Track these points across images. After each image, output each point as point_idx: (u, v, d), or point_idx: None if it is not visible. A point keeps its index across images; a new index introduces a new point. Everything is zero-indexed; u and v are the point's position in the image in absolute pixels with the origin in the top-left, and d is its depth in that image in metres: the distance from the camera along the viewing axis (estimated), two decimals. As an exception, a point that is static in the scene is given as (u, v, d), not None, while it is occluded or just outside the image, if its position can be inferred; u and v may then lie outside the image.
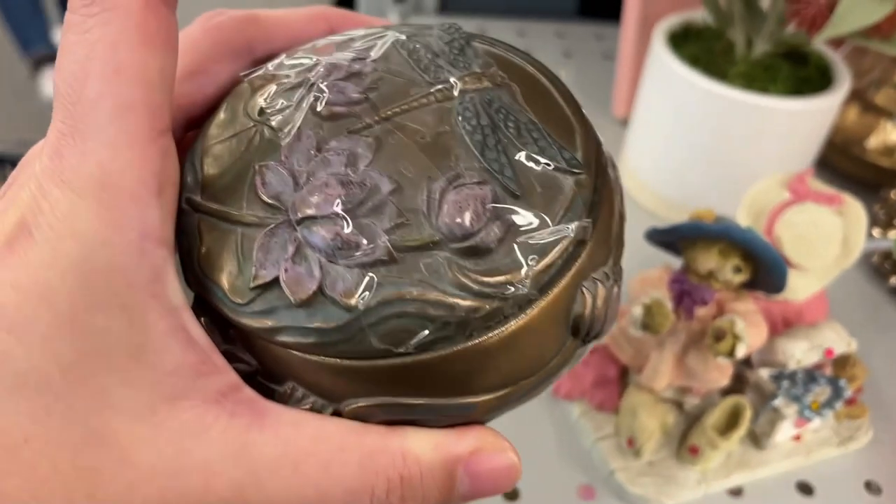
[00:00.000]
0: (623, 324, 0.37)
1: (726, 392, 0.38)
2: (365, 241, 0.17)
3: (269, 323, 0.17)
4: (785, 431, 0.37)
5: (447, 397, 0.17)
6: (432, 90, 0.19)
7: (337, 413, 0.17)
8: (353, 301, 0.16)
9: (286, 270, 0.17)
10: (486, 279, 0.16)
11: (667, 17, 0.52)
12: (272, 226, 0.17)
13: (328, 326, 0.16)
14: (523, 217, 0.17)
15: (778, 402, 0.36)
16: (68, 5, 0.16)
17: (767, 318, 0.39)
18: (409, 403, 0.17)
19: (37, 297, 0.15)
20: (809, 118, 0.46)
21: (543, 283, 0.17)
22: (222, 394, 0.16)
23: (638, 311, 0.35)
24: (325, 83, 0.19)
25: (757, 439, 0.38)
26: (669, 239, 0.36)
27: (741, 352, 0.34)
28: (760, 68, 0.47)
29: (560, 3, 0.73)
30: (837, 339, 0.36)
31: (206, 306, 0.18)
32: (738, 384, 0.38)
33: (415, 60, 0.20)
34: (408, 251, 0.17)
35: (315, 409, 0.17)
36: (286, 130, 0.18)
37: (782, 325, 0.39)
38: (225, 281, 0.17)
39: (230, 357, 0.18)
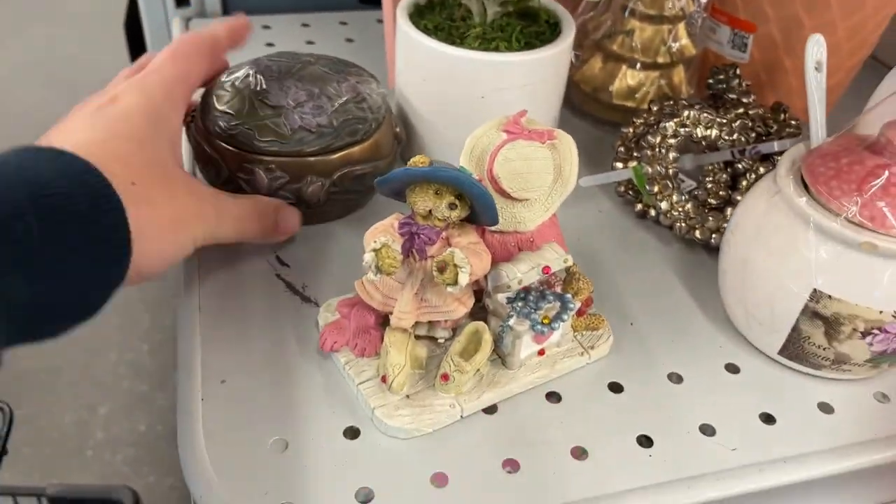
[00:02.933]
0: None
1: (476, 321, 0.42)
2: (323, 107, 0.46)
3: (301, 146, 0.46)
4: (527, 348, 0.41)
5: (374, 161, 0.49)
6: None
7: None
8: (333, 123, 0.47)
9: (301, 118, 0.46)
10: (372, 111, 0.49)
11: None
12: (283, 112, 0.46)
13: (325, 133, 0.47)
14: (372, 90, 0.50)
15: (512, 321, 0.40)
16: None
17: (505, 250, 0.43)
18: (360, 169, 0.49)
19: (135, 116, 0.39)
20: (541, 66, 0.50)
21: (383, 114, 0.50)
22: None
23: (369, 256, 0.37)
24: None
25: (504, 360, 0.41)
26: (392, 188, 0.39)
27: (464, 279, 0.37)
28: (496, 29, 0.51)
29: (342, -4, 0.75)
30: (554, 257, 0.40)
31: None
32: (484, 312, 0.42)
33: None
34: (342, 105, 0.47)
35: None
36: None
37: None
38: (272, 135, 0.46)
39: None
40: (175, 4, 0.71)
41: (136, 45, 0.82)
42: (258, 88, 0.47)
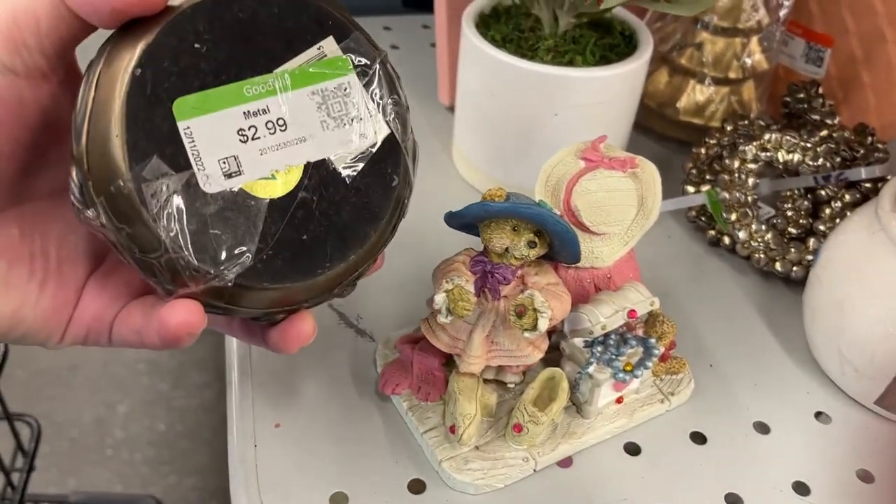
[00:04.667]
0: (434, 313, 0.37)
1: (550, 366, 0.39)
2: None
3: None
4: (605, 396, 0.38)
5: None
6: None
7: None
8: None
9: None
10: None
11: (475, 0, 0.52)
12: None
13: None
14: None
15: (591, 368, 0.36)
16: None
17: (580, 287, 0.40)
18: None
19: None
20: (618, 83, 0.47)
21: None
22: None
23: (441, 297, 0.34)
24: None
25: (580, 408, 0.38)
26: (462, 222, 0.36)
27: (543, 325, 0.34)
28: (568, 41, 0.48)
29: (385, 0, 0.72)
30: (640, 300, 0.37)
31: None
32: (559, 356, 0.39)
33: None
34: None
35: None
36: None
37: (595, 292, 0.39)
38: None
39: None
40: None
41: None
42: None
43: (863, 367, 0.39)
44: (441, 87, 0.59)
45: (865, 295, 0.38)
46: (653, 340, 0.37)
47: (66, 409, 1.27)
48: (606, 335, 0.37)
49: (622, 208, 0.38)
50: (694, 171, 0.50)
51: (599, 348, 0.37)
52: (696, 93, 0.55)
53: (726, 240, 0.49)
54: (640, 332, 0.38)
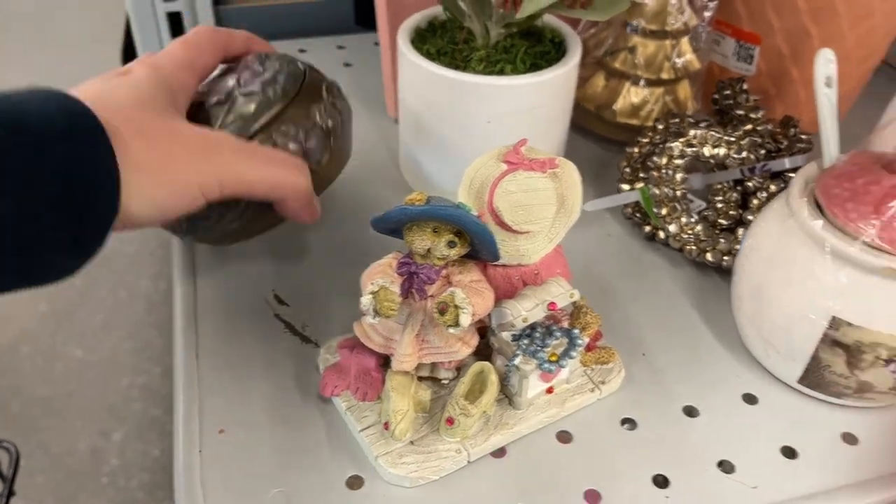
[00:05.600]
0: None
1: (481, 360, 0.40)
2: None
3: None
4: (534, 387, 0.39)
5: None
6: None
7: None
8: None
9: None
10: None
11: (411, 16, 0.54)
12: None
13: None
14: None
15: (517, 360, 0.38)
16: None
17: (508, 284, 0.41)
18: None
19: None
20: (547, 88, 0.49)
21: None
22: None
23: (367, 299, 0.36)
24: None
25: (511, 400, 0.40)
26: (387, 227, 0.37)
27: (465, 320, 0.35)
28: (500, 51, 0.50)
29: (338, 19, 0.74)
30: (560, 293, 0.38)
31: None
32: (489, 349, 0.40)
33: None
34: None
35: None
36: None
37: (523, 288, 0.41)
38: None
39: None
40: (171, 35, 0.71)
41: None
42: None
43: (783, 348, 0.41)
44: (388, 100, 0.61)
45: (781, 280, 0.40)
46: (577, 331, 0.39)
47: (60, 439, 1.28)
48: (532, 328, 0.39)
49: (542, 207, 0.40)
50: (628, 170, 0.52)
51: (525, 341, 0.38)
52: (632, 95, 0.57)
53: (661, 234, 0.50)
54: (566, 325, 0.40)
